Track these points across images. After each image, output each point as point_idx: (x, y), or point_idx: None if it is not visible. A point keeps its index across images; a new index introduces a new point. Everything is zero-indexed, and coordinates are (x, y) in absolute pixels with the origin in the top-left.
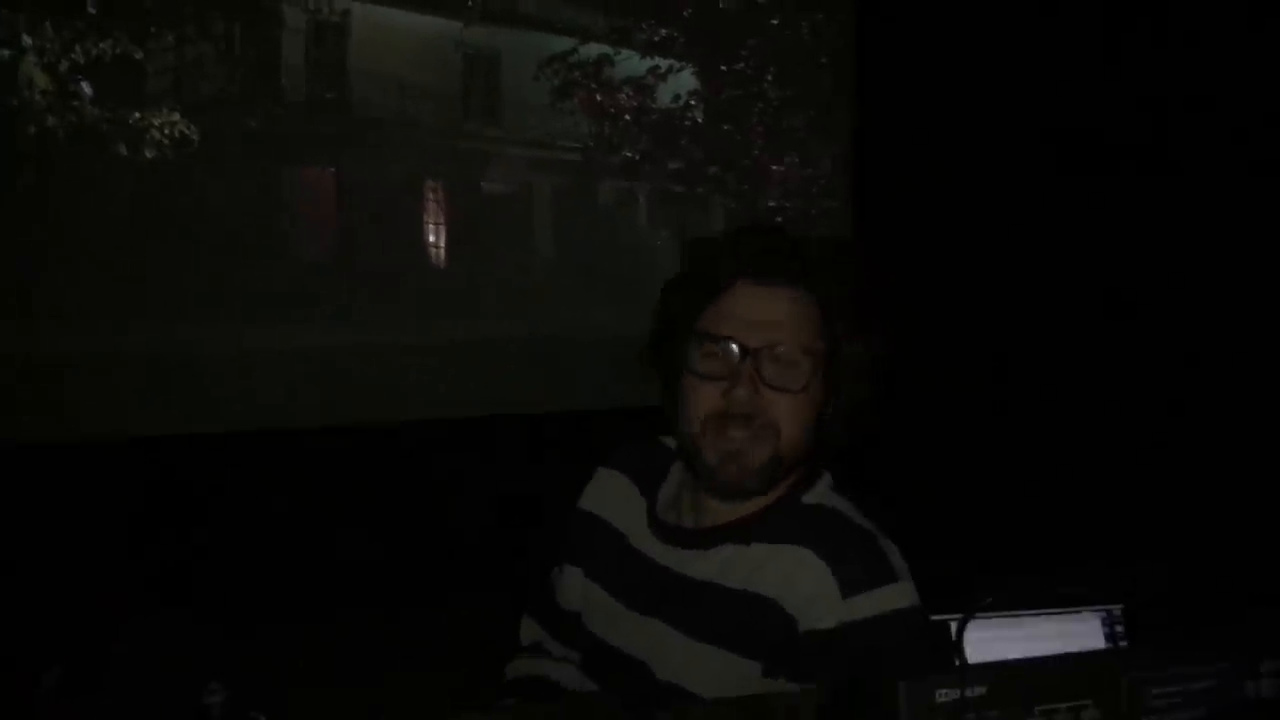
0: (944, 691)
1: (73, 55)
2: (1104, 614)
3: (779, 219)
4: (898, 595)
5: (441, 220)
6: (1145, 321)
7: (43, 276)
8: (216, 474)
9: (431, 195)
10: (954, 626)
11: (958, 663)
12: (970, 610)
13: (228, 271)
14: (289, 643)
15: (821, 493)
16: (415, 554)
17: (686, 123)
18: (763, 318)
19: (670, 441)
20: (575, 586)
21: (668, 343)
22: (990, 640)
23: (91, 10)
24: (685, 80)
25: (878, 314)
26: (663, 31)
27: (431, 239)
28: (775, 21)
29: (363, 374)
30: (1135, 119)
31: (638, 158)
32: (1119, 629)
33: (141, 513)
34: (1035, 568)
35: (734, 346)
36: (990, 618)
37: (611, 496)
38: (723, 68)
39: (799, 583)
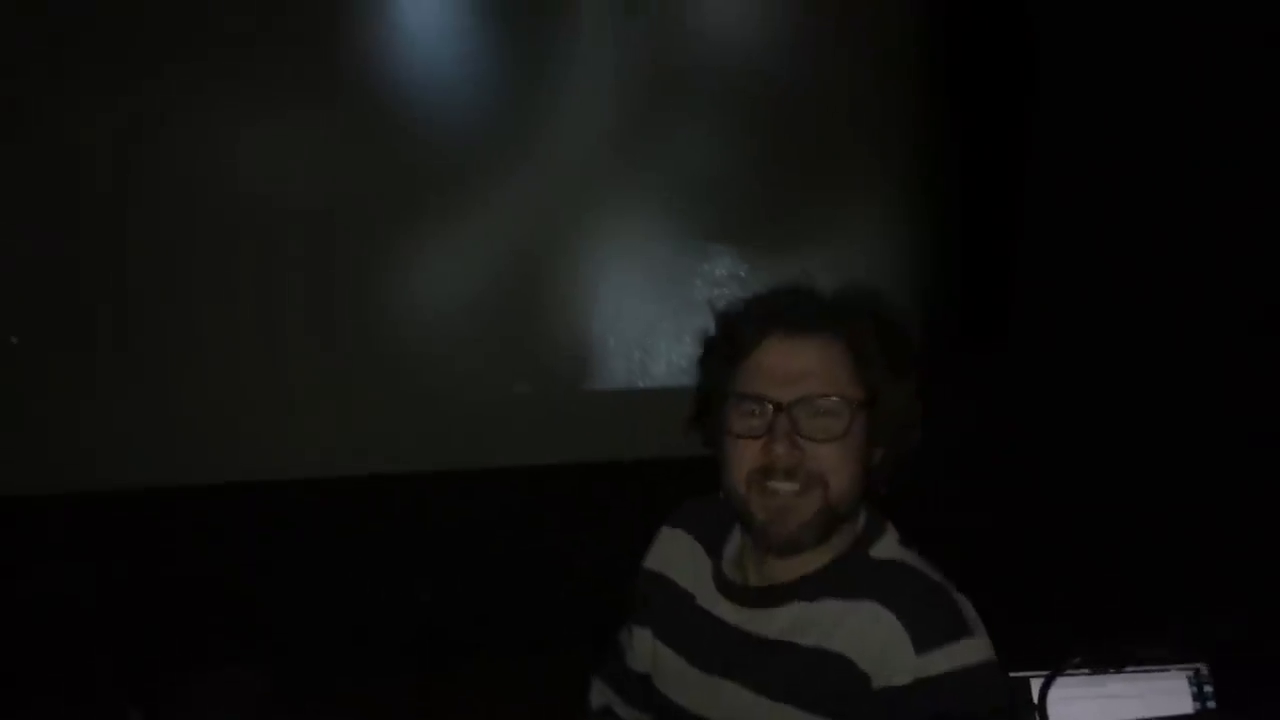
0: None
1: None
2: (1191, 673)
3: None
4: (973, 650)
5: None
6: (1237, 360)
7: None
8: (294, 522)
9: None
10: (1034, 684)
11: None
12: (1057, 669)
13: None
14: (362, 696)
15: (890, 547)
16: (483, 610)
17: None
18: (793, 370)
19: None
20: (644, 647)
21: (707, 408)
22: (1071, 699)
23: None
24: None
25: (916, 357)
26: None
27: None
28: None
29: (428, 424)
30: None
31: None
32: (1207, 689)
33: (217, 559)
34: (1116, 624)
35: (767, 403)
36: (1069, 675)
37: (677, 556)
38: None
39: (871, 639)
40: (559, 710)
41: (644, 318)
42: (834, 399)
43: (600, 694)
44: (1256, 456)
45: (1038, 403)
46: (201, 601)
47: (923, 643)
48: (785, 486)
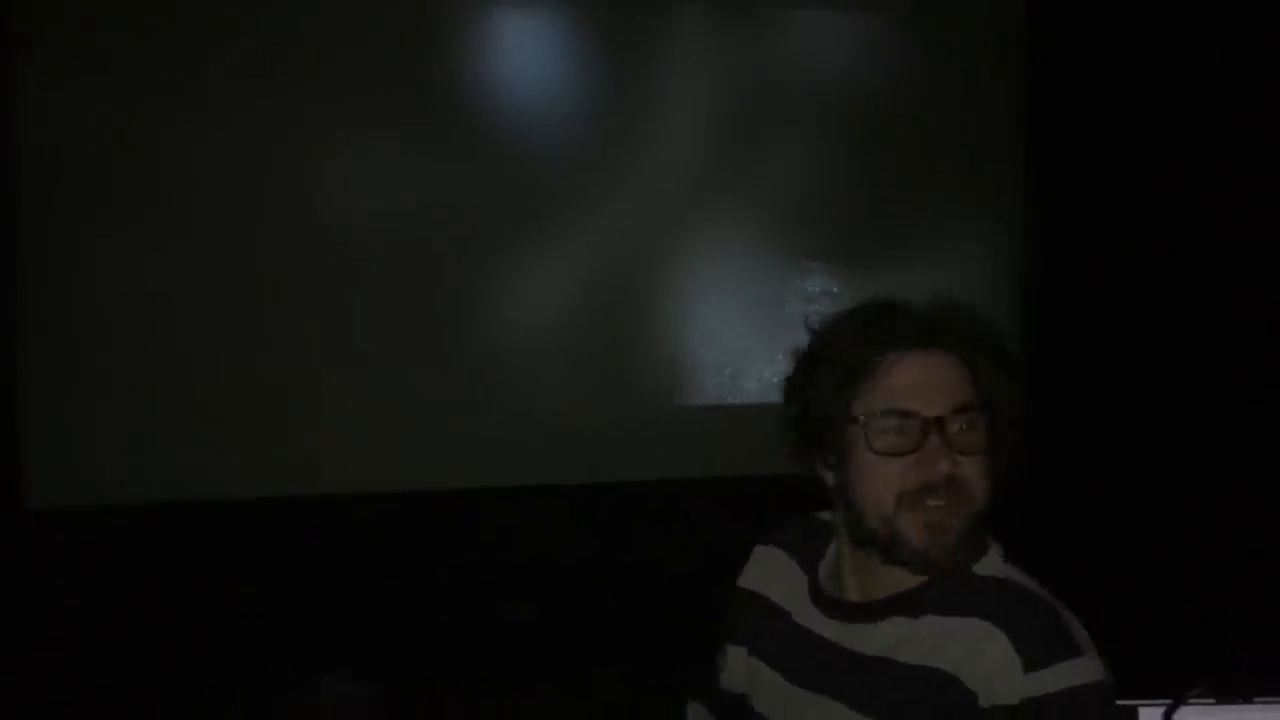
0: None
1: None
2: None
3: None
4: (1085, 670)
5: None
6: None
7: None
8: (396, 536)
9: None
10: (1142, 713)
11: None
12: (1181, 696)
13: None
14: (454, 702)
15: (995, 564)
16: (578, 627)
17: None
18: (932, 384)
19: (826, 515)
20: (739, 667)
21: (822, 429)
22: None
23: None
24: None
25: (1016, 369)
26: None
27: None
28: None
29: (526, 439)
30: None
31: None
32: None
33: (322, 569)
34: (1232, 655)
35: (917, 419)
36: (1194, 704)
37: (772, 573)
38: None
39: (980, 656)
40: None
41: (736, 334)
42: (978, 412)
43: (696, 716)
44: None
45: (1143, 415)
46: (300, 616)
47: (1033, 661)
48: (939, 503)
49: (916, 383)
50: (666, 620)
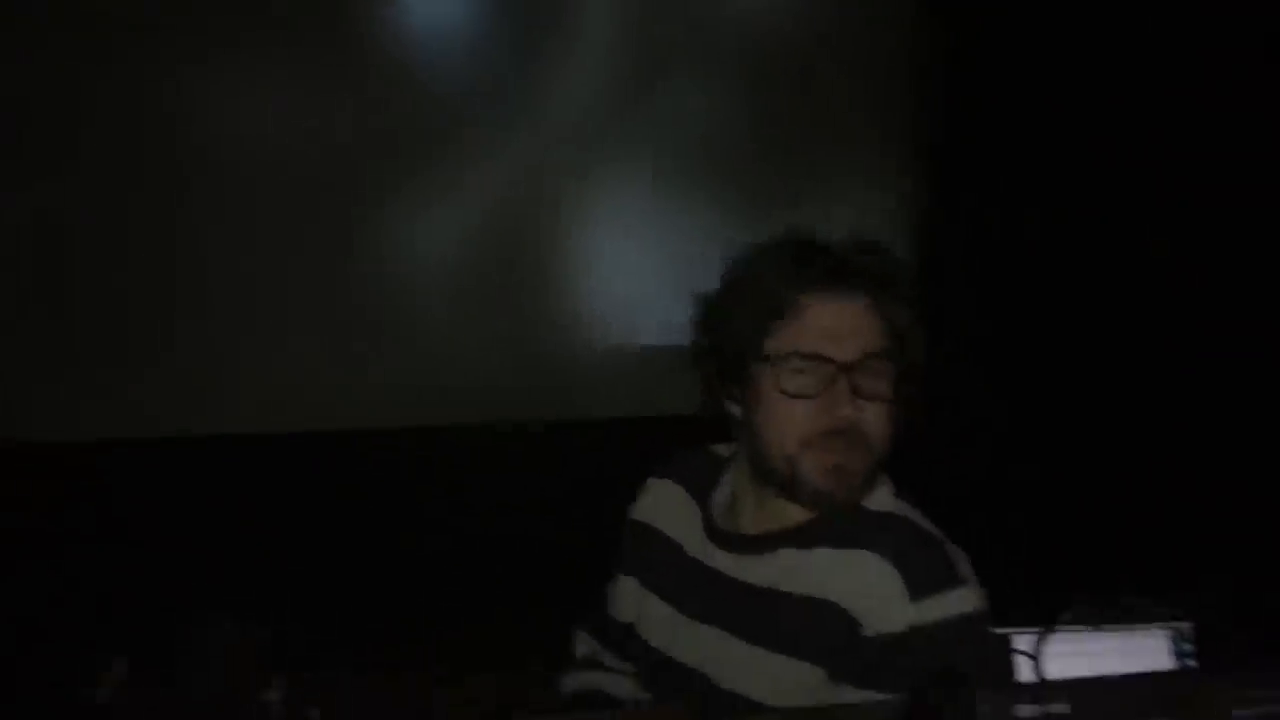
0: (1023, 707)
1: None
2: (1173, 632)
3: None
4: (967, 599)
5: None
6: (1221, 329)
7: None
8: (274, 472)
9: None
10: (1015, 639)
11: (1038, 678)
12: (1051, 623)
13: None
14: (344, 642)
15: (884, 499)
16: (468, 560)
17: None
18: (845, 331)
19: (721, 450)
20: (630, 597)
21: (733, 365)
22: (1053, 656)
23: None
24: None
25: (923, 317)
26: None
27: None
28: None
29: (424, 380)
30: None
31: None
32: (1187, 648)
33: (200, 508)
34: (1097, 583)
35: (828, 363)
36: (1055, 632)
37: (665, 506)
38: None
39: (866, 587)
40: (549, 664)
41: (637, 274)
42: (885, 360)
43: (584, 644)
44: (1252, 423)
45: (1030, 357)
46: (194, 556)
47: (917, 591)
48: (841, 446)
49: (829, 327)
50: (565, 558)
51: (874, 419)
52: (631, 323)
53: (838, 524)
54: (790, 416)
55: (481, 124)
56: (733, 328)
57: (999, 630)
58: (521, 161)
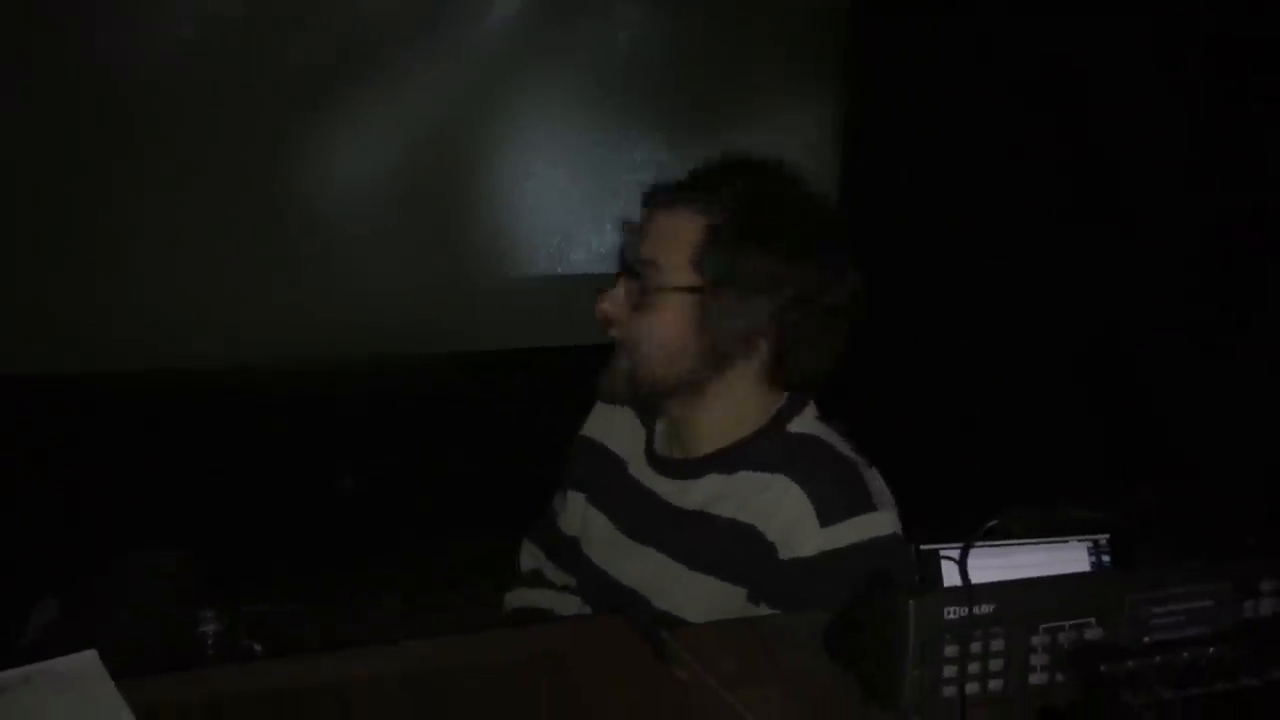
0: (952, 609)
1: None
2: (1090, 544)
3: None
4: (878, 523)
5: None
6: (1137, 238)
7: None
8: (207, 407)
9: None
10: (943, 553)
11: (963, 582)
12: (972, 538)
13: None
14: (283, 575)
15: (807, 421)
16: (411, 486)
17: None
18: (645, 238)
19: None
20: (576, 512)
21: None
22: (977, 570)
23: None
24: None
25: (805, 238)
26: None
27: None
28: None
29: (350, 310)
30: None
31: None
32: (1104, 559)
33: (132, 444)
34: (1023, 497)
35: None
36: (978, 547)
37: (614, 424)
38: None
39: (779, 511)
40: (494, 580)
41: (564, 204)
42: (659, 273)
43: (531, 557)
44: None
45: (941, 283)
46: (119, 491)
47: (828, 516)
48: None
49: (640, 234)
50: (490, 487)
51: (635, 329)
52: (561, 253)
53: (759, 448)
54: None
55: (408, 50)
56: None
57: (926, 547)
58: (448, 89)
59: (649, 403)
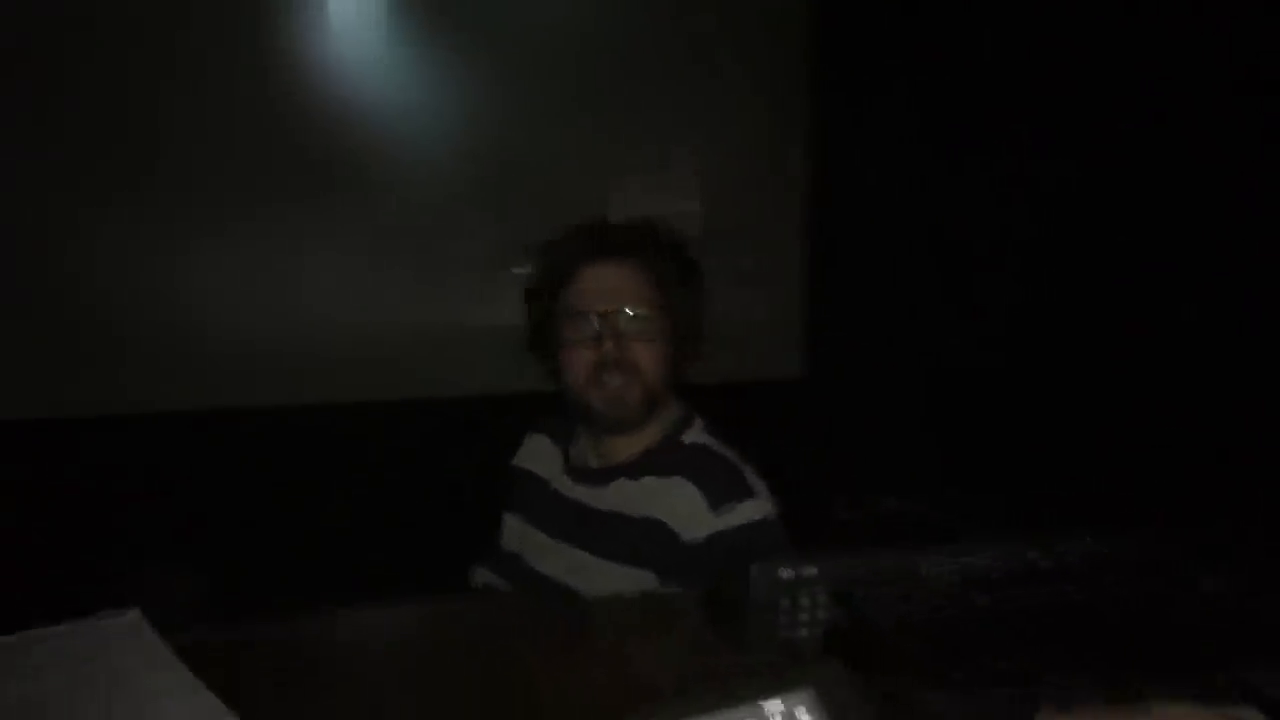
0: (785, 571)
1: None
2: None
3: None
4: (756, 508)
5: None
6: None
7: None
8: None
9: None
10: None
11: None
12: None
13: None
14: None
15: (696, 433)
16: (363, 534)
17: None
18: (607, 288)
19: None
20: (514, 530)
21: (543, 329)
22: None
23: None
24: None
25: (698, 276)
26: None
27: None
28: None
29: (303, 353)
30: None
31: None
32: None
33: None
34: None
35: (594, 314)
36: None
37: (536, 452)
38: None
39: (679, 504)
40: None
41: None
42: (643, 308)
43: (480, 575)
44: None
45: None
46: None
47: (716, 504)
48: (615, 379)
49: (594, 288)
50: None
51: (641, 354)
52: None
53: (659, 457)
54: (575, 360)
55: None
56: (539, 300)
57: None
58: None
59: (643, 419)
